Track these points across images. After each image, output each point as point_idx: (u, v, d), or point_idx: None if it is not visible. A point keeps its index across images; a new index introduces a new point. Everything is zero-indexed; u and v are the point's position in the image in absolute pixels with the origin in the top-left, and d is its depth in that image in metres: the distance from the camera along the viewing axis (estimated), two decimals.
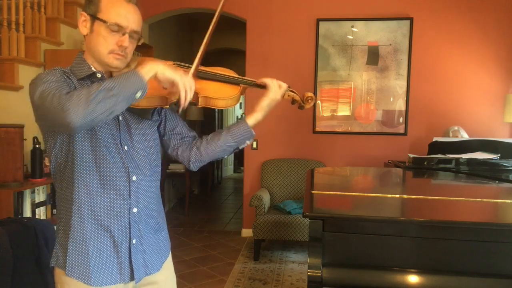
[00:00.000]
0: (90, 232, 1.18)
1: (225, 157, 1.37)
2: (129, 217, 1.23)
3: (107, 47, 1.16)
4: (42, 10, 3.32)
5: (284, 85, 1.37)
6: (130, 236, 1.23)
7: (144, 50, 4.48)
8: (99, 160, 1.18)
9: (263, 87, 1.36)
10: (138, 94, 1.06)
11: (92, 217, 1.19)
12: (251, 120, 1.34)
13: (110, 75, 1.24)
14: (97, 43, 1.17)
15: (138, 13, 1.20)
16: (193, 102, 1.28)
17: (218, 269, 3.53)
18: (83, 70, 1.20)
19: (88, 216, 1.18)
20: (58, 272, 1.23)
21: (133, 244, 1.24)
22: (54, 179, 1.25)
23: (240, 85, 1.33)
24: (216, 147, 1.34)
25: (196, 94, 1.25)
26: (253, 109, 1.36)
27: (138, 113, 1.27)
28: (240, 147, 1.38)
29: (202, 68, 1.32)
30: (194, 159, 1.36)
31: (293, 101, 1.43)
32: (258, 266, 3.58)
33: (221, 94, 1.28)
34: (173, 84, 1.12)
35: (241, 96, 1.39)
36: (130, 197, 1.22)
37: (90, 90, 1.01)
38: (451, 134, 3.55)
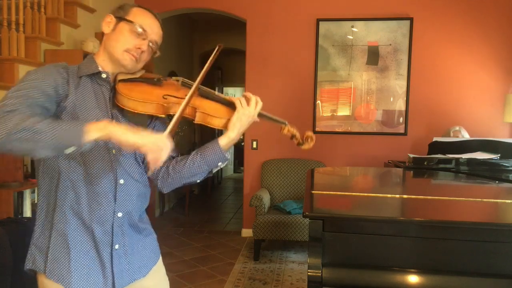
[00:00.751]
0: (72, 234, 1.16)
1: (198, 181, 1.32)
2: (113, 222, 1.19)
3: (124, 44, 1.19)
4: (42, 10, 3.32)
5: (258, 106, 1.28)
6: (112, 241, 1.20)
7: None
8: (87, 161, 1.15)
9: (231, 105, 1.29)
10: (69, 150, 0.99)
11: (75, 219, 1.16)
12: (224, 140, 1.25)
13: (114, 79, 1.23)
14: (116, 39, 1.20)
15: (161, 31, 1.27)
16: (190, 118, 1.26)
17: (218, 269, 3.53)
18: (90, 68, 1.22)
19: (71, 217, 1.15)
20: (38, 275, 1.20)
21: (115, 249, 1.20)
22: (37, 177, 1.21)
23: None
24: (183, 167, 1.26)
25: (194, 110, 1.24)
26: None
27: (134, 120, 1.22)
28: (214, 170, 1.30)
29: (207, 89, 1.32)
30: (161, 179, 1.29)
31: (292, 136, 1.42)
32: (258, 266, 3.58)
33: (218, 113, 1.27)
34: (137, 148, 1.02)
35: None
36: (115, 201, 1.19)
37: (22, 123, 0.94)
38: (452, 134, 3.54)
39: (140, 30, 1.20)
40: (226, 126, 1.27)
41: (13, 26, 3.03)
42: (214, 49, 1.29)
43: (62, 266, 1.15)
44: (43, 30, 3.29)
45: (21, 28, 3.08)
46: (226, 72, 8.27)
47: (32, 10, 3.26)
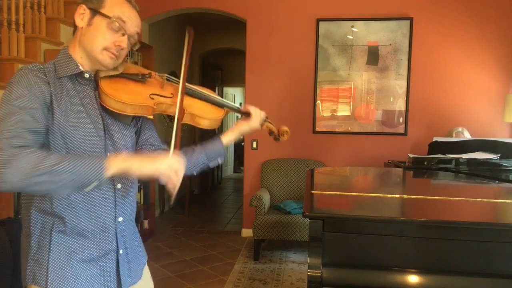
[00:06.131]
0: (74, 246, 1.11)
1: (194, 174, 1.34)
2: (115, 227, 1.18)
3: (103, 43, 1.10)
4: (42, 10, 3.32)
5: (263, 114, 1.40)
6: (117, 247, 1.18)
7: (144, 50, 4.49)
8: None
9: (247, 115, 1.39)
10: (90, 187, 0.99)
11: (76, 231, 1.11)
12: (225, 140, 1.36)
13: (95, 74, 1.17)
14: (93, 37, 1.10)
15: (139, 20, 1.17)
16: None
17: (218, 269, 3.53)
18: (69, 68, 1.11)
19: (71, 229, 1.10)
20: None
21: (120, 254, 1.19)
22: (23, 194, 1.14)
23: (224, 108, 1.35)
24: (189, 163, 1.25)
25: (183, 110, 1.23)
26: (230, 129, 1.38)
27: (119, 118, 1.20)
28: (211, 165, 1.35)
29: (192, 86, 1.31)
30: None
31: (270, 133, 1.48)
32: (258, 266, 3.58)
33: (206, 114, 1.29)
34: (155, 177, 1.02)
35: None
36: (115, 206, 1.17)
37: (40, 162, 0.92)
38: (454, 135, 3.54)
39: (118, 26, 1.10)
40: (212, 126, 1.31)
41: (13, 26, 3.03)
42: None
43: (65, 279, 1.09)
44: (43, 30, 3.29)
45: (21, 28, 3.09)
46: (226, 72, 8.26)
47: (32, 10, 3.26)
